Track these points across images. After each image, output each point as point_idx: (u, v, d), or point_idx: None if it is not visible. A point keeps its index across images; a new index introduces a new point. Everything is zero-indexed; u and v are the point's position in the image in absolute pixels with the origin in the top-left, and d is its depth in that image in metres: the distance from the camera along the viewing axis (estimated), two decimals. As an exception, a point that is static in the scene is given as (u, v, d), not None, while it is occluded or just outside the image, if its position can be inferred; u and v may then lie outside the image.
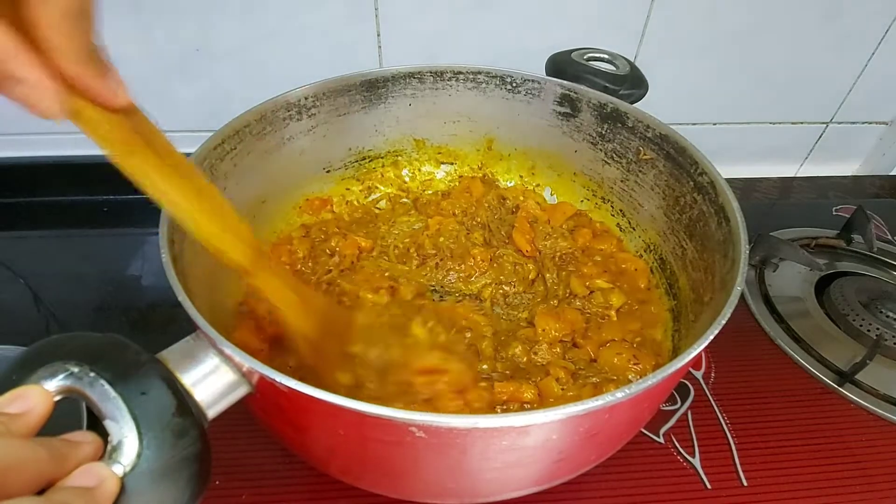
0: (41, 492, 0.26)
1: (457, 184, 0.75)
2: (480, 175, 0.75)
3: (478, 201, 0.71)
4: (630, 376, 0.53)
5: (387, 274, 0.62)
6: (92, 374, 0.29)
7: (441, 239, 0.65)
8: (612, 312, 0.59)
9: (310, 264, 0.62)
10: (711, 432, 0.60)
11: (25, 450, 0.26)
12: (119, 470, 0.28)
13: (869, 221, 0.82)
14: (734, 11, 0.83)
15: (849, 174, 1.06)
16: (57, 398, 0.29)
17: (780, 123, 0.98)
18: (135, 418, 0.29)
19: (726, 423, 0.61)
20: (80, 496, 0.27)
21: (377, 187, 0.74)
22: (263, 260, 0.39)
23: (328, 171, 0.70)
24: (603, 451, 0.45)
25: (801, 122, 0.98)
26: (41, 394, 0.28)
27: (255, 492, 0.53)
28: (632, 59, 0.79)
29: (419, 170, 0.75)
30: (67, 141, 0.88)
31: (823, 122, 0.98)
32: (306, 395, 0.32)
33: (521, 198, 0.73)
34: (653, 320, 0.59)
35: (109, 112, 0.29)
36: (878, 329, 0.69)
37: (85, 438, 0.29)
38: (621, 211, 0.67)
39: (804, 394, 0.65)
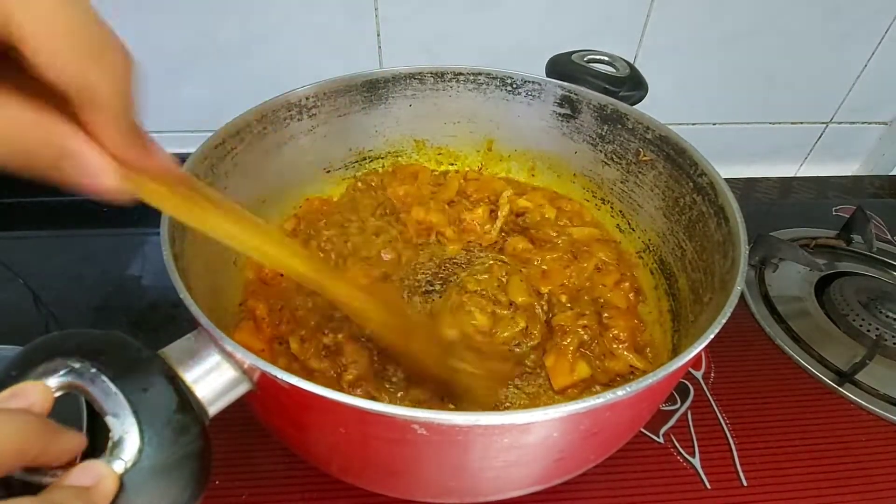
0: (38, 491, 0.26)
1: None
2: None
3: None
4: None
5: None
6: (93, 371, 0.29)
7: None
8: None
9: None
10: (711, 432, 0.60)
11: (18, 418, 0.26)
12: (120, 466, 0.28)
13: (869, 221, 0.82)
14: (733, 12, 0.83)
15: (849, 174, 1.07)
16: (58, 394, 0.29)
17: (780, 123, 0.98)
18: (136, 414, 0.29)
19: (726, 423, 0.61)
20: (77, 495, 0.27)
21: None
22: (329, 269, 0.43)
23: (328, 171, 0.70)
24: (603, 450, 0.45)
25: (801, 122, 0.98)
26: (41, 390, 0.28)
27: (255, 492, 0.53)
28: (631, 60, 0.80)
29: (419, 170, 0.75)
30: (68, 141, 0.89)
31: (823, 122, 0.99)
32: (307, 391, 0.32)
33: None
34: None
35: (160, 178, 0.30)
36: (877, 329, 0.69)
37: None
38: (621, 212, 0.68)
39: (804, 394, 0.65)
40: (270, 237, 0.38)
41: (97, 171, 0.26)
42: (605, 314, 0.58)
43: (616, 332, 0.56)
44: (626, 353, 0.55)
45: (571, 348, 0.54)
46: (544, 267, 0.62)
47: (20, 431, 0.25)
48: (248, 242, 0.36)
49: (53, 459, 0.27)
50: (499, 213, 0.67)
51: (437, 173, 0.74)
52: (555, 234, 0.65)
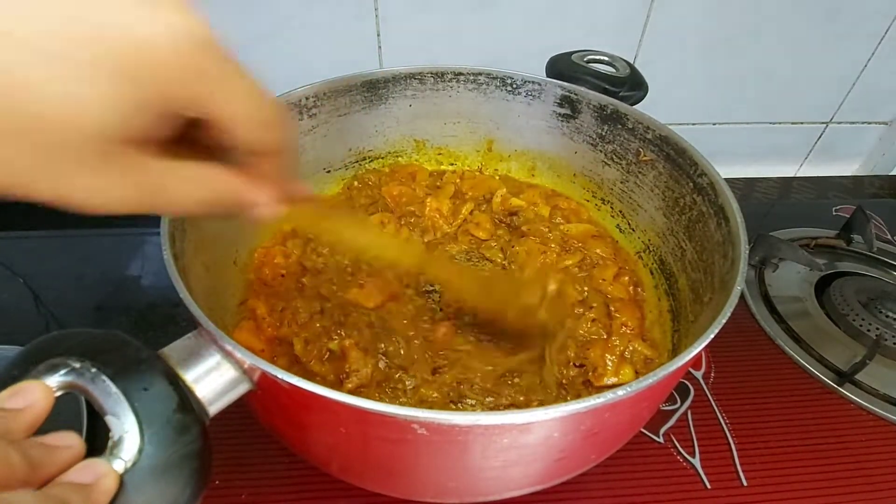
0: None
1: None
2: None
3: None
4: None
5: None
6: (93, 370, 0.29)
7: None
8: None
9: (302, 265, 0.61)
10: (711, 432, 0.60)
11: None
12: (120, 466, 0.28)
13: (869, 221, 0.82)
14: (733, 12, 0.83)
15: (849, 174, 1.07)
16: (58, 394, 0.29)
17: (780, 123, 0.98)
18: (136, 414, 0.29)
19: (726, 423, 0.61)
20: (76, 492, 0.26)
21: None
22: (430, 258, 0.56)
23: (328, 172, 0.70)
24: (603, 450, 0.45)
25: (801, 122, 0.98)
26: (42, 389, 0.28)
27: (255, 492, 0.53)
28: (631, 60, 0.80)
29: (419, 170, 0.75)
30: (68, 141, 0.88)
31: (823, 122, 0.99)
32: (308, 391, 0.32)
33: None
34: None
35: (300, 202, 0.37)
36: (877, 329, 0.69)
37: (63, 441, 0.28)
38: (621, 212, 0.68)
39: (804, 394, 0.65)
40: (378, 236, 0.49)
41: (266, 203, 0.32)
42: (612, 307, 0.58)
43: (623, 320, 0.56)
44: (634, 342, 0.55)
45: (621, 348, 0.54)
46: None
47: (6, 461, 0.24)
48: (359, 241, 0.46)
49: (47, 477, 0.27)
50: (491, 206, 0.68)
51: (434, 175, 0.74)
52: (546, 230, 0.65)
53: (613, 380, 0.52)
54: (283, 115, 0.29)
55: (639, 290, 0.61)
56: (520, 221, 0.67)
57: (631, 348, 0.54)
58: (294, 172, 0.34)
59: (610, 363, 0.52)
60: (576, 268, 0.62)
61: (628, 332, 0.55)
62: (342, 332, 0.52)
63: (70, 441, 0.28)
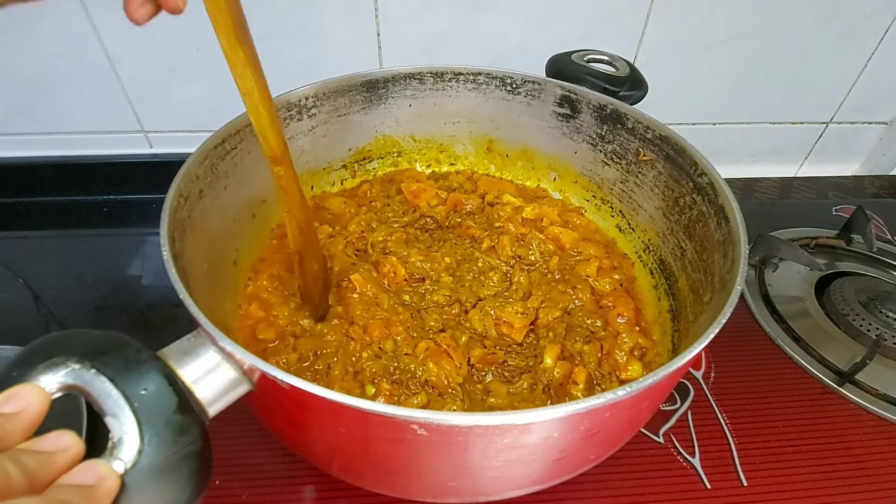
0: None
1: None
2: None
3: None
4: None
5: None
6: (93, 371, 0.29)
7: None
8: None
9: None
10: (711, 432, 0.60)
11: None
12: (120, 467, 0.28)
13: (869, 221, 0.82)
14: (734, 12, 0.83)
15: (849, 174, 1.07)
16: (58, 395, 0.29)
17: (780, 123, 0.98)
18: (136, 415, 0.29)
19: (726, 423, 0.61)
20: (79, 494, 0.26)
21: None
22: (288, 153, 0.47)
23: (328, 171, 0.70)
24: (603, 450, 0.45)
25: (801, 122, 0.98)
26: (37, 392, 0.28)
27: (255, 492, 0.53)
28: (631, 60, 0.80)
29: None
30: (67, 141, 0.88)
31: (823, 122, 0.98)
32: (307, 392, 0.32)
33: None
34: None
35: None
36: (877, 329, 0.69)
37: (60, 444, 0.28)
38: (621, 212, 0.68)
39: (804, 394, 0.65)
40: (265, 89, 0.43)
41: None
42: (604, 301, 0.58)
43: (619, 310, 0.57)
44: (631, 333, 0.56)
45: (629, 346, 0.54)
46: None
47: (4, 474, 0.24)
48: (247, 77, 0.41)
49: (47, 483, 0.27)
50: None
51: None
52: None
53: (622, 375, 0.53)
54: None
55: (631, 285, 0.62)
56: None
57: (631, 342, 0.55)
58: None
59: (620, 358, 0.53)
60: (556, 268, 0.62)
61: (625, 322, 0.56)
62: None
63: (67, 442, 0.28)
